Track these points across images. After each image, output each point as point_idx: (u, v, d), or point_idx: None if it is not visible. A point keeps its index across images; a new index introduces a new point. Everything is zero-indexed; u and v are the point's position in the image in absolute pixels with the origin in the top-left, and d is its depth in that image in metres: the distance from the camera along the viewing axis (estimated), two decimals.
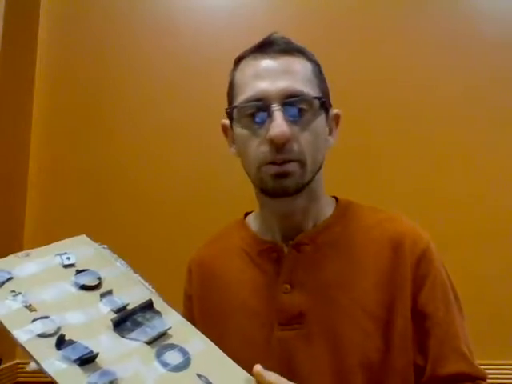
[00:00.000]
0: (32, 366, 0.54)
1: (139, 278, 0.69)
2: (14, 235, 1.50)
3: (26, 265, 0.64)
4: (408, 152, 1.48)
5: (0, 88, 1.46)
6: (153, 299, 0.65)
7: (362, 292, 0.74)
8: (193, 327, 0.64)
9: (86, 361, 0.54)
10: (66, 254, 0.67)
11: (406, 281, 0.74)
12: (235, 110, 0.75)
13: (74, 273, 0.65)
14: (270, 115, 0.71)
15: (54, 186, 1.58)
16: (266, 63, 0.74)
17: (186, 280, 0.89)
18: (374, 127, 1.48)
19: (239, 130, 0.76)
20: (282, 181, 0.72)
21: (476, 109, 1.48)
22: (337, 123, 0.82)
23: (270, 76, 0.72)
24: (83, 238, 0.72)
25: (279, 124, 0.70)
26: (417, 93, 1.50)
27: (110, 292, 0.64)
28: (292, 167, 0.72)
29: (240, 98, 0.74)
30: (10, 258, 0.65)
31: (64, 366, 0.53)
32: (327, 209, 0.82)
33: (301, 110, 0.72)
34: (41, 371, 0.54)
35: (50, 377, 0.53)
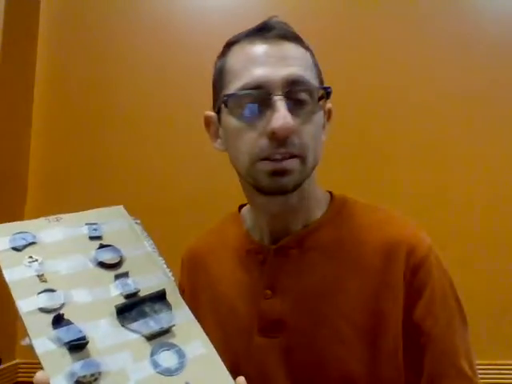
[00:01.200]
0: (26, 340, 0.53)
1: (162, 262, 0.65)
2: None
3: (53, 230, 0.62)
4: (409, 151, 1.46)
5: (0, 88, 1.46)
6: (168, 289, 0.61)
7: (347, 302, 0.68)
8: (199, 328, 0.59)
9: (76, 347, 0.52)
10: (95, 224, 0.64)
11: (397, 291, 0.67)
12: (228, 99, 0.66)
13: (98, 246, 0.63)
14: (270, 105, 0.63)
15: (54, 186, 1.57)
16: (266, 48, 0.66)
17: (180, 273, 0.85)
18: (375, 126, 1.47)
19: (232, 122, 0.67)
20: (280, 179, 0.65)
21: (479, 109, 1.46)
22: (328, 118, 0.74)
23: (270, 62, 0.64)
24: (120, 208, 0.69)
25: (283, 115, 0.62)
26: (419, 92, 1.48)
27: (125, 274, 0.61)
28: (292, 164, 0.64)
29: (235, 86, 0.66)
30: (41, 219, 0.63)
31: (53, 347, 0.52)
32: (320, 208, 0.74)
33: (303, 101, 0.65)
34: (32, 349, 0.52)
35: (36, 355, 0.51)
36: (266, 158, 0.64)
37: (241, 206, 0.84)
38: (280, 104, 0.63)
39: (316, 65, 0.71)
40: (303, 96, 0.65)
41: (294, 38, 0.69)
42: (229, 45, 0.72)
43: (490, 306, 1.34)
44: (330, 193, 0.78)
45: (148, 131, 1.57)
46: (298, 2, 1.56)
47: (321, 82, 0.71)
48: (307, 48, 0.71)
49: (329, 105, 0.73)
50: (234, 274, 0.76)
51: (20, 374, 1.49)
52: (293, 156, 0.64)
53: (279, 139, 0.63)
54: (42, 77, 1.62)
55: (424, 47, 1.51)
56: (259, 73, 0.64)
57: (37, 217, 1.60)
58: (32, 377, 1.59)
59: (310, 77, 0.67)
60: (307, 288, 0.70)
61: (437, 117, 1.48)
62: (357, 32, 1.53)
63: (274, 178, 0.65)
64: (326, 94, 0.67)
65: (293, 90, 0.64)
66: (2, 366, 1.42)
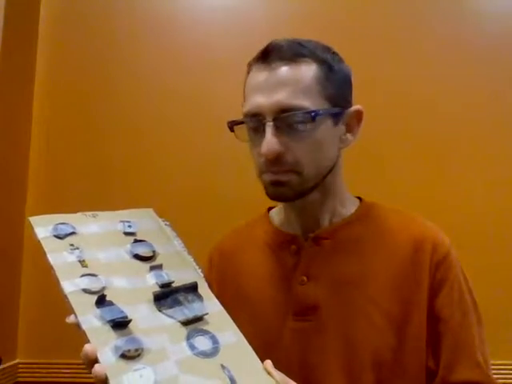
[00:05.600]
0: (71, 318, 0.57)
1: (191, 259, 0.70)
2: (15, 234, 1.50)
3: (91, 224, 0.68)
4: (412, 152, 1.48)
5: (0, 88, 1.46)
6: (199, 283, 0.66)
7: (378, 290, 0.75)
8: (230, 319, 0.64)
9: (119, 324, 0.57)
10: (129, 222, 0.70)
11: (423, 283, 0.74)
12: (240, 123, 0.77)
13: (132, 241, 0.68)
14: (264, 129, 0.72)
15: (54, 186, 1.58)
16: (264, 75, 0.73)
17: (207, 268, 0.89)
18: (375, 127, 1.48)
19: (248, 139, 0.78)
20: (279, 188, 0.74)
21: (479, 109, 1.48)
22: (358, 119, 0.79)
23: (265, 90, 0.72)
24: (150, 211, 0.75)
25: (267, 141, 0.71)
26: (421, 92, 1.50)
27: (159, 266, 0.66)
28: (287, 177, 0.73)
29: (244, 110, 0.76)
30: (78, 214, 0.69)
31: (98, 324, 0.56)
32: (346, 208, 0.82)
33: (294, 123, 0.72)
34: (77, 325, 0.57)
35: (83, 331, 0.56)
36: (267, 171, 0.74)
37: (269, 209, 0.91)
38: (267, 130, 0.71)
39: (325, 77, 0.74)
40: (293, 119, 0.71)
41: (297, 57, 0.73)
42: (248, 67, 0.78)
43: (489, 305, 1.34)
44: (360, 198, 0.85)
45: (148, 130, 1.57)
46: (300, 3, 1.56)
47: (330, 93, 0.74)
48: (317, 60, 0.74)
49: (356, 107, 0.78)
50: (265, 266, 0.82)
51: (20, 374, 1.49)
52: (287, 171, 0.73)
53: (269, 161, 0.72)
54: (42, 77, 1.62)
55: (423, 47, 1.52)
56: (256, 101, 0.73)
57: (37, 215, 1.61)
58: (32, 377, 1.59)
59: (307, 97, 0.72)
60: (339, 275, 0.77)
61: (436, 117, 1.49)
62: (356, 32, 1.54)
63: (275, 187, 0.74)
64: (311, 118, 0.71)
65: (280, 116, 0.71)
66: (2, 366, 1.42)
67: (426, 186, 1.46)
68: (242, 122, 0.76)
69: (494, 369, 0.75)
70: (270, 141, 0.71)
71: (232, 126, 0.77)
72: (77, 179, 1.57)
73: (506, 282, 1.40)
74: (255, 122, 0.74)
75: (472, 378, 0.72)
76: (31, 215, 1.53)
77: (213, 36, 1.58)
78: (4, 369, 1.43)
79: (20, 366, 1.49)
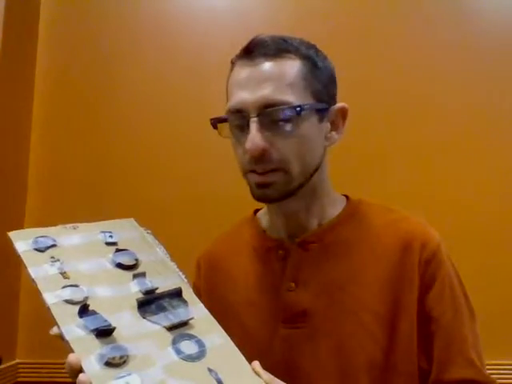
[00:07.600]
0: (54, 330, 0.57)
1: (175, 266, 0.70)
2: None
3: (71, 236, 0.68)
4: (411, 152, 1.48)
5: (0, 88, 1.46)
6: (183, 288, 0.66)
7: (368, 292, 0.73)
8: (215, 322, 0.64)
9: (103, 333, 0.56)
10: (110, 232, 0.70)
11: (413, 282, 0.73)
12: (224, 119, 0.75)
13: (114, 251, 0.68)
14: (248, 126, 0.70)
15: (54, 186, 1.58)
16: (247, 71, 0.72)
17: (195, 275, 0.89)
18: (375, 127, 1.48)
19: (232, 137, 0.76)
20: (264, 190, 0.72)
21: (479, 109, 1.48)
22: (343, 117, 0.77)
23: (249, 85, 0.71)
24: (131, 221, 0.75)
25: (252, 137, 0.69)
26: (420, 92, 1.50)
27: (143, 274, 0.66)
28: (274, 177, 0.71)
29: (227, 107, 0.74)
30: (59, 227, 0.69)
31: (81, 333, 0.56)
32: (335, 207, 0.80)
33: (279, 119, 0.70)
34: (60, 336, 0.56)
35: (66, 341, 0.55)
36: (252, 171, 0.72)
37: (256, 211, 0.89)
38: (252, 126, 0.70)
39: (309, 73, 0.73)
40: (278, 115, 0.70)
41: (281, 52, 0.72)
42: (231, 64, 0.77)
43: (489, 304, 1.34)
44: (346, 196, 0.84)
45: (148, 131, 1.57)
46: (300, 2, 1.56)
47: (315, 89, 0.73)
48: (301, 56, 0.73)
49: (340, 105, 0.77)
50: (253, 272, 0.81)
51: (20, 374, 1.49)
52: (274, 170, 0.71)
53: (253, 157, 0.70)
54: (42, 76, 1.62)
55: (422, 47, 1.52)
56: (239, 97, 0.71)
57: (37, 216, 1.62)
58: (32, 377, 1.59)
59: (292, 93, 0.70)
60: (328, 279, 0.75)
61: (435, 116, 1.48)
62: (356, 32, 1.54)
63: (260, 189, 0.73)
64: (296, 112, 0.70)
65: (265, 112, 0.70)
66: (2, 366, 1.43)
67: (423, 185, 1.46)
68: (225, 119, 0.74)
69: (494, 369, 0.75)
70: (255, 136, 0.69)
71: (215, 123, 0.75)
72: (77, 178, 1.58)
73: (505, 281, 1.39)
74: (239, 118, 0.72)
75: (466, 376, 0.71)
76: (31, 215, 1.56)
77: (213, 36, 1.58)
78: (4, 369, 1.43)
79: (20, 366, 1.50)
